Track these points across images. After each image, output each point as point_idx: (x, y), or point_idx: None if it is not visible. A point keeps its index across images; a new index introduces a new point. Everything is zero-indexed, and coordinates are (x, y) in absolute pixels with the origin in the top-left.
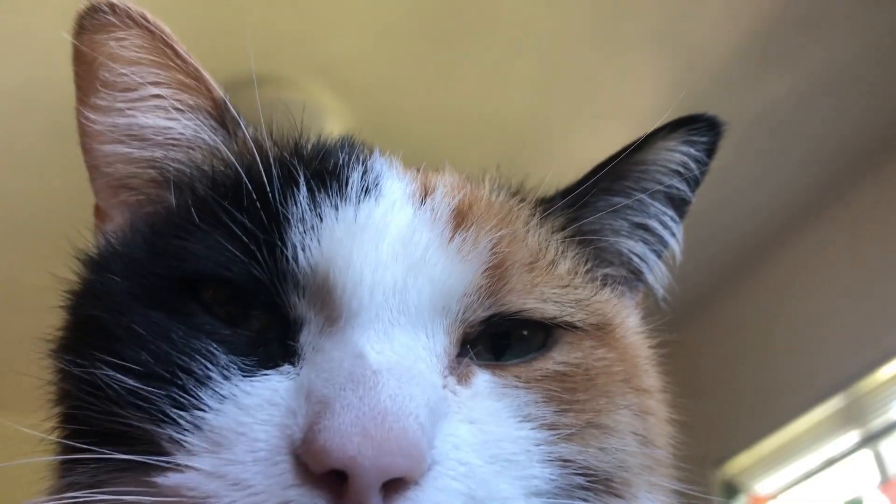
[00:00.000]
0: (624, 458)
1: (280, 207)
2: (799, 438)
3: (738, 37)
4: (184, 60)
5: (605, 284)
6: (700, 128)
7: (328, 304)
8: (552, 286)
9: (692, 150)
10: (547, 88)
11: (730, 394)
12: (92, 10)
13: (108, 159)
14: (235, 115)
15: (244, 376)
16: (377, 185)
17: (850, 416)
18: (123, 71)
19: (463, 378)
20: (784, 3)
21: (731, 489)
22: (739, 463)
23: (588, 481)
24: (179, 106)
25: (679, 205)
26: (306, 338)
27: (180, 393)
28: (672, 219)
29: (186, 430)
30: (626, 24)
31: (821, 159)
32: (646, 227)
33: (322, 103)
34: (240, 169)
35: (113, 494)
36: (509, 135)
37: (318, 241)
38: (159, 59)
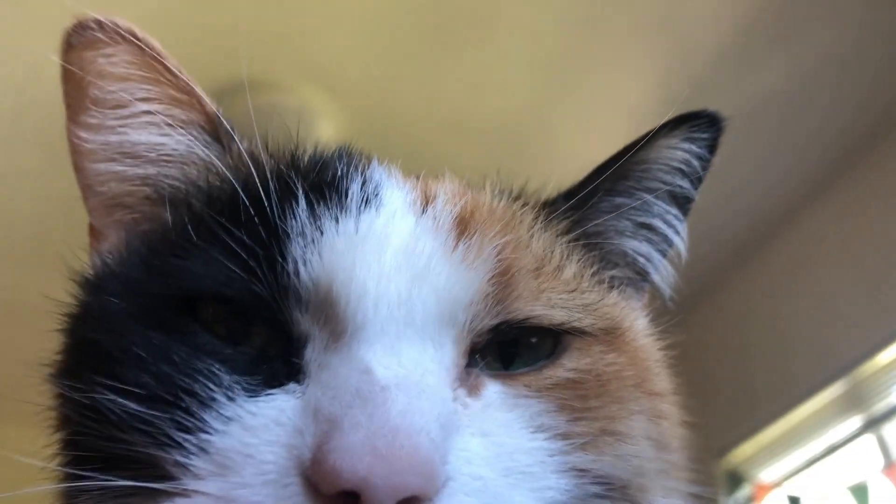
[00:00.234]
0: (639, 464)
1: (279, 222)
2: (802, 425)
3: (733, 25)
4: (174, 75)
5: (611, 287)
6: (701, 124)
7: (332, 318)
8: (559, 291)
9: (694, 148)
10: (542, 83)
11: (731, 383)
12: (79, 27)
13: (100, 178)
14: (229, 128)
15: (249, 396)
16: (377, 195)
17: (851, 402)
18: (113, 88)
19: (473, 390)
20: None
21: (736, 478)
22: (743, 452)
23: (604, 490)
24: (171, 121)
25: (682, 203)
26: (311, 354)
27: (184, 416)
28: (676, 217)
29: (192, 454)
30: (618, 17)
31: (820, 145)
32: (650, 227)
33: (315, 106)
34: (236, 184)
35: None
36: (506, 132)
37: (320, 255)
38: (149, 74)
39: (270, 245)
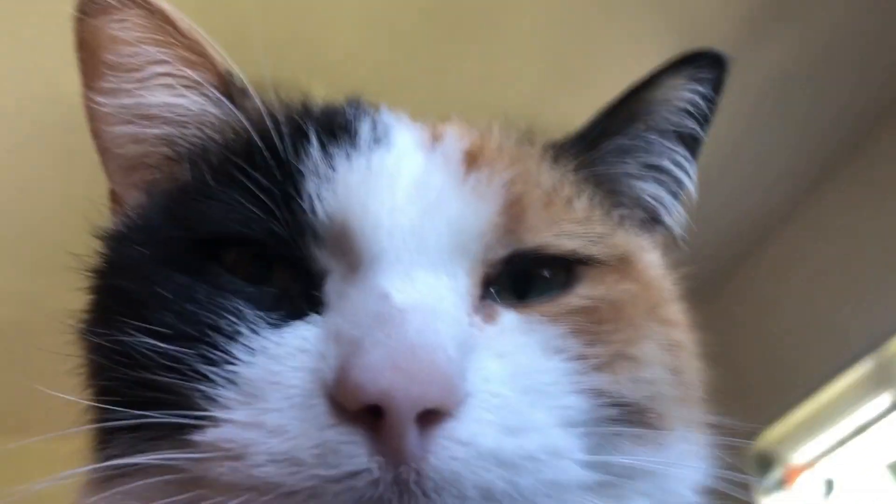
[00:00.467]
0: (657, 389)
1: (293, 162)
2: (831, 405)
3: (741, 6)
4: (186, 36)
5: (622, 225)
6: (705, 64)
7: (348, 251)
8: (570, 222)
9: (699, 87)
10: (552, 74)
11: (757, 365)
12: None
13: (118, 140)
14: (241, 84)
15: (272, 329)
16: (387, 135)
17: (880, 379)
18: (126, 52)
19: (488, 317)
20: None
21: (766, 462)
22: (773, 435)
23: (622, 413)
24: (184, 82)
25: (691, 143)
26: (330, 287)
27: (210, 350)
28: (684, 157)
29: (220, 386)
30: (626, 3)
31: (828, 126)
32: (658, 168)
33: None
34: (250, 130)
35: (153, 460)
36: (514, 123)
37: (334, 191)
38: (161, 36)
39: (286, 185)
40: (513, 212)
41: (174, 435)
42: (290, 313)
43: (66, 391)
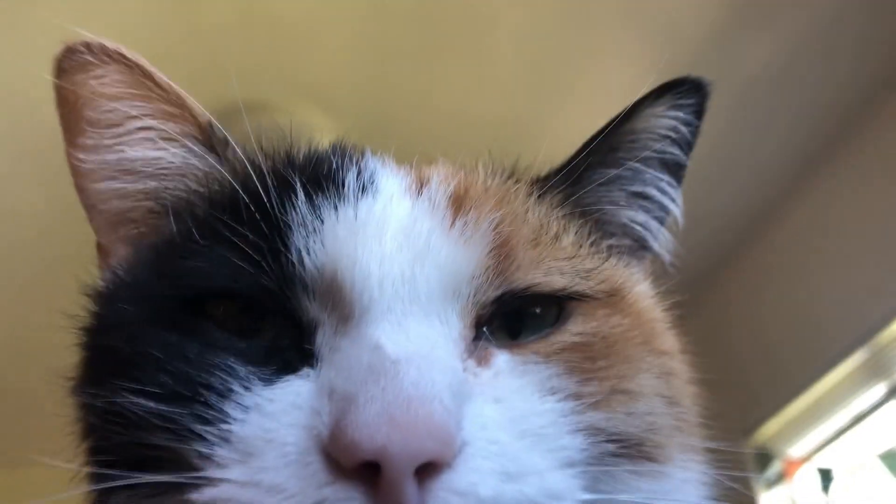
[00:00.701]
0: (652, 420)
1: (279, 215)
2: (825, 398)
3: (718, 6)
4: (165, 90)
5: (610, 256)
6: (685, 90)
7: (339, 302)
8: (558, 259)
9: (680, 114)
10: (536, 83)
11: (751, 361)
12: (69, 52)
13: (102, 196)
14: (223, 136)
15: (265, 385)
16: (373, 182)
17: (874, 370)
18: (106, 108)
19: (482, 360)
20: None
21: (764, 457)
22: (769, 429)
23: (619, 448)
24: (165, 135)
25: (674, 169)
26: (322, 339)
27: (204, 409)
28: (669, 184)
29: (214, 444)
30: (607, 11)
31: (812, 118)
32: (643, 195)
33: (310, 122)
34: (235, 184)
35: None
36: (497, 131)
37: (322, 243)
38: (140, 91)
39: (273, 238)
40: (502, 252)
41: (172, 493)
42: (282, 367)
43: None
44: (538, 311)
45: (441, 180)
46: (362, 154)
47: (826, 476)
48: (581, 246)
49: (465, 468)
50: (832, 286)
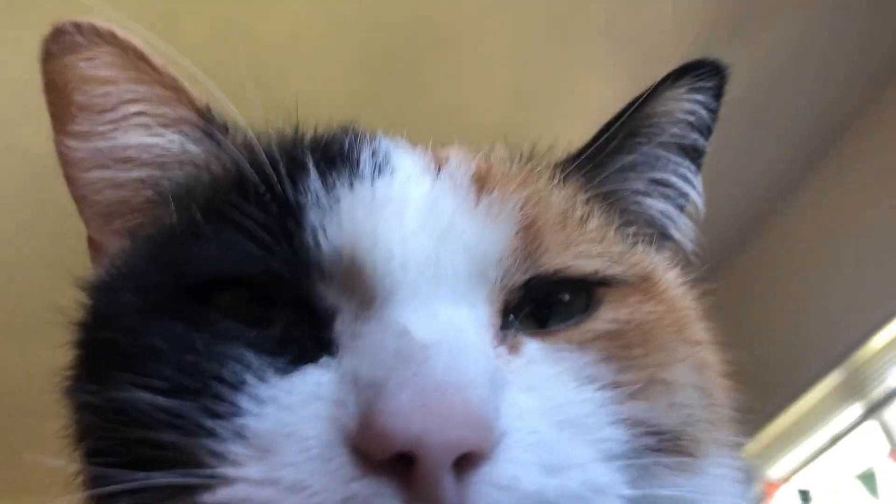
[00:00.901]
0: (690, 412)
1: (291, 194)
2: (803, 419)
3: (697, 23)
4: (160, 72)
5: (636, 242)
6: (704, 73)
7: (359, 286)
8: (587, 242)
9: (700, 97)
10: (516, 96)
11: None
12: (57, 34)
13: (94, 186)
14: (222, 120)
15: (281, 376)
16: (388, 161)
17: (851, 389)
18: (98, 92)
19: (512, 348)
20: None
21: (746, 478)
22: (748, 451)
23: (659, 442)
24: (161, 121)
25: (694, 155)
26: (341, 326)
27: (214, 403)
28: (689, 170)
29: (227, 440)
30: (588, 27)
31: (791, 139)
32: (663, 182)
33: None
34: (241, 163)
35: None
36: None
37: (339, 223)
38: (134, 74)
39: (285, 219)
40: (529, 234)
41: (179, 497)
42: (298, 357)
43: (55, 455)
44: (567, 298)
45: (460, 160)
46: (373, 135)
47: (805, 497)
48: (607, 231)
49: (504, 460)
50: (808, 306)
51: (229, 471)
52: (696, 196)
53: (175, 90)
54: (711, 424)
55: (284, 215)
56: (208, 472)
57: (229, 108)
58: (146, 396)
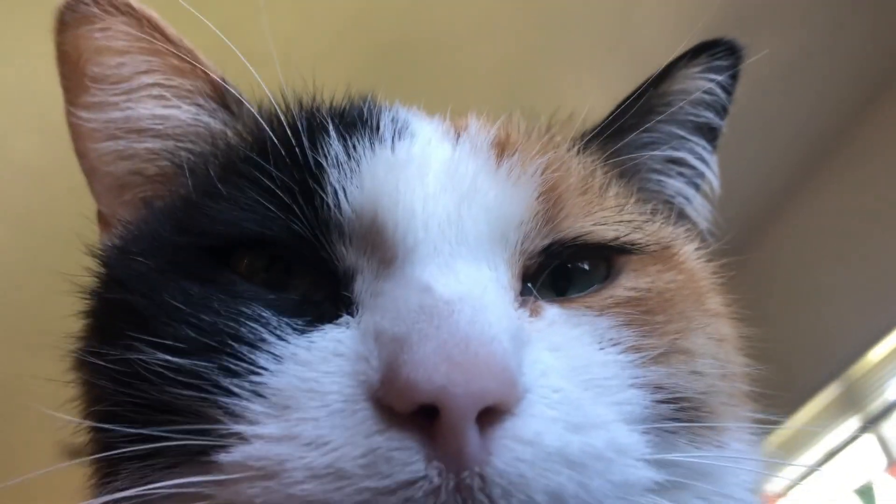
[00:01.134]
0: (710, 383)
1: (312, 155)
2: (800, 432)
3: (692, 34)
4: (175, 44)
5: (653, 215)
6: (720, 52)
7: (380, 245)
8: (607, 209)
9: (716, 76)
10: (505, 107)
11: None
12: (72, 4)
13: (106, 158)
14: (236, 93)
15: (301, 334)
16: (408, 127)
17: (848, 403)
18: (113, 63)
19: (533, 311)
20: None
21: None
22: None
23: (678, 410)
24: (176, 92)
25: (710, 134)
26: (361, 286)
27: (232, 361)
28: (704, 149)
29: (245, 399)
30: (575, 38)
31: (779, 160)
32: (679, 161)
33: None
34: (261, 124)
35: (173, 487)
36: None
37: (360, 183)
38: (149, 45)
39: (305, 179)
40: (550, 198)
41: (194, 458)
42: (317, 318)
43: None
44: (586, 267)
45: (480, 127)
46: (392, 104)
47: None
48: (627, 201)
49: (528, 415)
50: (803, 319)
51: (246, 429)
52: (712, 175)
53: (191, 62)
54: (730, 398)
55: (305, 177)
56: (224, 430)
57: (252, 74)
58: (162, 356)
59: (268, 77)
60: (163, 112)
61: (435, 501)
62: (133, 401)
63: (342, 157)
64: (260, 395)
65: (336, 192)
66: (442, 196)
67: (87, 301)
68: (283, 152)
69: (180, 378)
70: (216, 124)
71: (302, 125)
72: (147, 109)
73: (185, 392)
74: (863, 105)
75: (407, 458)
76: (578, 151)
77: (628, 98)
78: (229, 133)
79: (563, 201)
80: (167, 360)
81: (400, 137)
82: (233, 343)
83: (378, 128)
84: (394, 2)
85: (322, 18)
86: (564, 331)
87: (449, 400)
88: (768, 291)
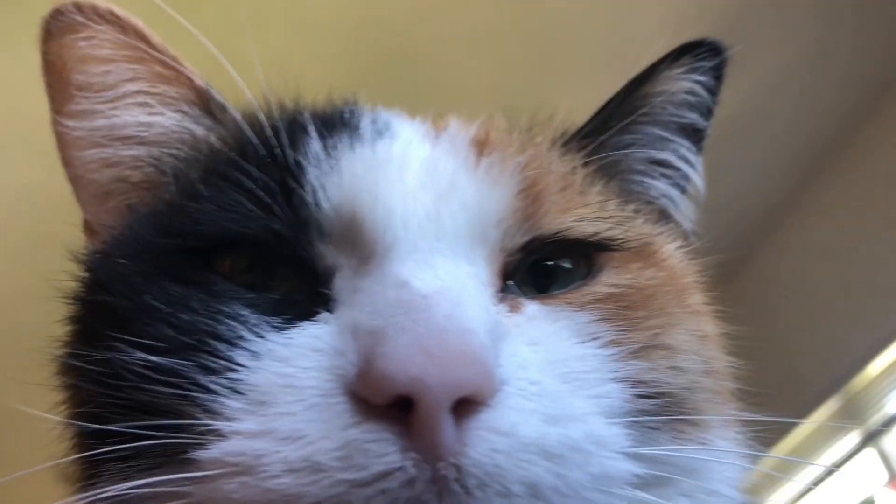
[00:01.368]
0: (692, 379)
1: (291, 154)
2: (800, 447)
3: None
4: (160, 52)
5: (635, 213)
6: (704, 53)
7: (359, 243)
8: (588, 206)
9: (699, 77)
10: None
11: None
12: (57, 14)
13: (91, 166)
14: (220, 101)
15: (278, 331)
16: (388, 127)
17: (847, 417)
18: (97, 71)
19: (513, 307)
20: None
21: None
22: (745, 482)
23: (659, 405)
24: (161, 99)
25: (694, 135)
26: (340, 283)
27: (210, 359)
28: (689, 150)
29: (222, 396)
30: (568, 52)
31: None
32: (663, 163)
33: None
34: (242, 126)
35: (150, 486)
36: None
37: (339, 181)
38: (134, 53)
39: (285, 179)
40: (530, 195)
41: (173, 456)
42: (297, 316)
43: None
44: (568, 265)
45: (460, 126)
46: (374, 106)
47: None
48: (607, 200)
49: (505, 407)
50: (802, 332)
51: (223, 425)
52: (697, 177)
53: (174, 70)
54: (713, 395)
55: (284, 176)
56: (202, 427)
57: (236, 80)
58: (141, 356)
59: (255, 88)
60: (147, 119)
61: (411, 492)
62: (114, 402)
63: (321, 155)
64: (237, 392)
65: (315, 191)
66: (421, 194)
67: (71, 306)
68: (263, 152)
69: (160, 377)
70: (200, 130)
71: (283, 125)
72: (132, 117)
73: (164, 390)
74: (863, 113)
75: (382, 450)
76: (560, 150)
77: (611, 99)
78: (213, 138)
79: (542, 198)
80: (147, 360)
81: (380, 137)
82: (211, 341)
83: (358, 127)
84: (390, 15)
85: (319, 30)
86: (543, 326)
87: (423, 390)
88: (766, 304)
